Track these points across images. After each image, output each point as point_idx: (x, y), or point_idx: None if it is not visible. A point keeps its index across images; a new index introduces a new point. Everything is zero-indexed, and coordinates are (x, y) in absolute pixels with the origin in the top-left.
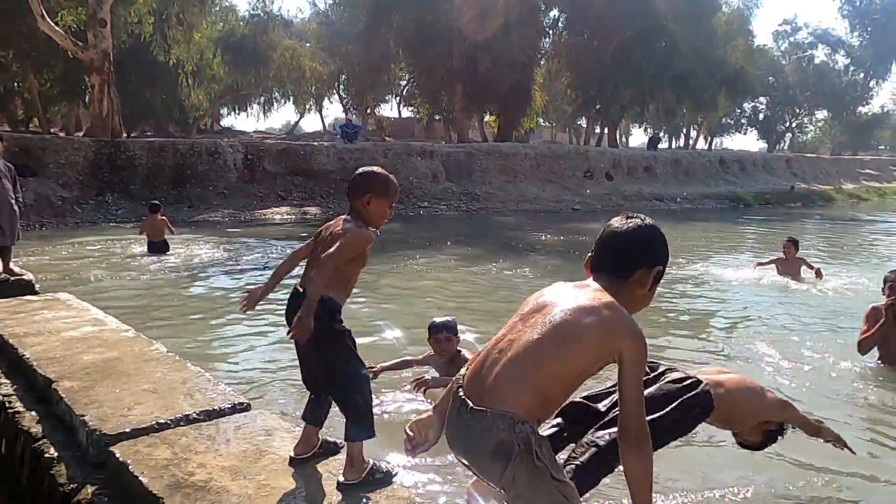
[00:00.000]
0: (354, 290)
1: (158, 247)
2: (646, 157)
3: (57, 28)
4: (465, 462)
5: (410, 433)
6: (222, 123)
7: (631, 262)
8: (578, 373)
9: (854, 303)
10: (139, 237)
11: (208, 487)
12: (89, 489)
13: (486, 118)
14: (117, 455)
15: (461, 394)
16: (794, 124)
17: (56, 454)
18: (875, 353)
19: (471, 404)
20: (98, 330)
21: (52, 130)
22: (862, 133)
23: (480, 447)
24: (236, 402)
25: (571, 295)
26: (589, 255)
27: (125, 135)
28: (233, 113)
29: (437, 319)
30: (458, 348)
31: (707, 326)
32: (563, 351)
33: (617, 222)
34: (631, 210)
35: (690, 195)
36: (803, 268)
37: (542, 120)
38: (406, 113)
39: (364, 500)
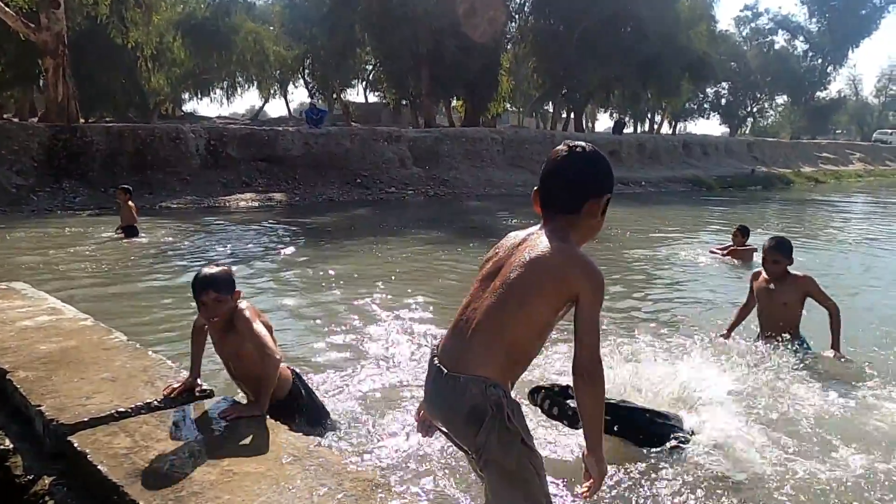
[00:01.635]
0: (323, 279)
1: (129, 231)
2: (611, 142)
3: (7, 9)
4: (444, 428)
5: (420, 415)
6: (184, 109)
7: (578, 196)
8: (542, 326)
9: None
10: (98, 225)
11: (170, 475)
12: (47, 480)
13: (454, 103)
14: (75, 445)
15: (436, 362)
16: (755, 109)
17: (12, 446)
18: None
19: (445, 371)
20: (55, 319)
21: (4, 116)
22: (820, 118)
23: (456, 412)
24: (198, 390)
25: (524, 247)
26: (535, 188)
27: (82, 120)
28: (195, 98)
29: (204, 271)
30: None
31: (646, 302)
32: (523, 310)
33: (559, 154)
34: None
35: (654, 179)
36: (756, 256)
37: (508, 105)
38: (373, 98)
39: (327, 482)
